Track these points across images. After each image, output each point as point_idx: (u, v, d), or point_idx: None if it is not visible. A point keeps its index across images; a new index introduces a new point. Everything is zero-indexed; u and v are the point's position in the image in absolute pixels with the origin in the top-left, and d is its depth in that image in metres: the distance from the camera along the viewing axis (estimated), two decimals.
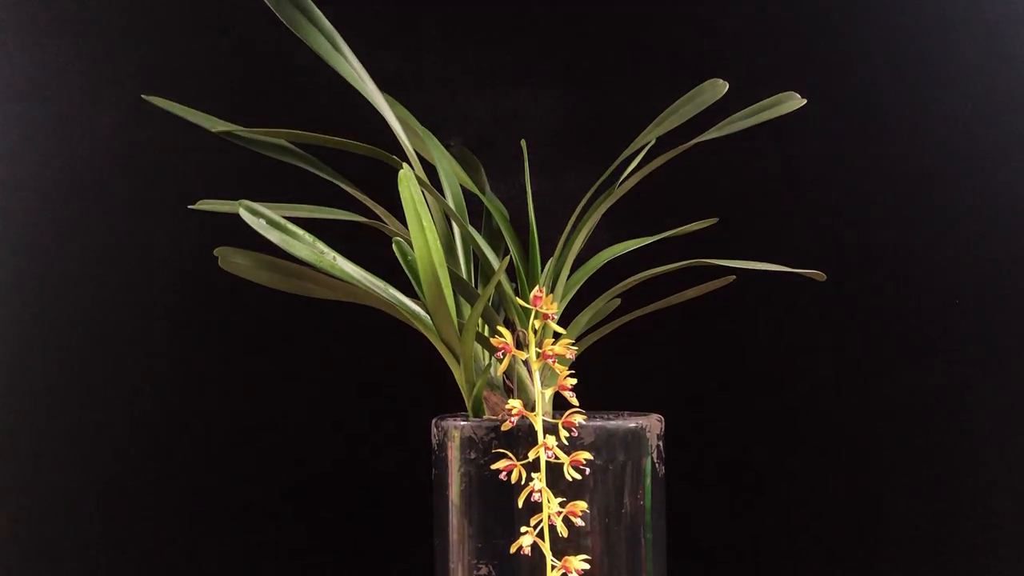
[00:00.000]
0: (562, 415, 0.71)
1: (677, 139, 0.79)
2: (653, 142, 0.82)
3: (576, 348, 0.73)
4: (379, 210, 0.81)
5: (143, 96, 0.81)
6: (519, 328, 0.76)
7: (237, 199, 0.73)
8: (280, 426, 1.05)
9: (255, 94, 1.04)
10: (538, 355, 0.72)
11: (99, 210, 1.04)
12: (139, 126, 1.03)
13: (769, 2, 1.05)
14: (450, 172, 0.86)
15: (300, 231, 0.74)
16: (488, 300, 0.74)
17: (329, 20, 0.80)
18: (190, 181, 1.03)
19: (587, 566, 0.70)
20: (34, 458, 1.04)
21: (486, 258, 0.81)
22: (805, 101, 0.78)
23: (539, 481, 0.69)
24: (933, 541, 1.04)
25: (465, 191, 0.86)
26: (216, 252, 0.76)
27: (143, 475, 1.04)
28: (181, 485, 1.04)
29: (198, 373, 1.05)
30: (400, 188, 0.71)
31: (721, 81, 0.82)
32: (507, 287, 0.78)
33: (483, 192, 0.89)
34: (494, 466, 0.70)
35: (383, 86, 0.82)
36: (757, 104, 0.79)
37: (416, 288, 0.76)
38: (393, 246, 0.76)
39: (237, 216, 0.72)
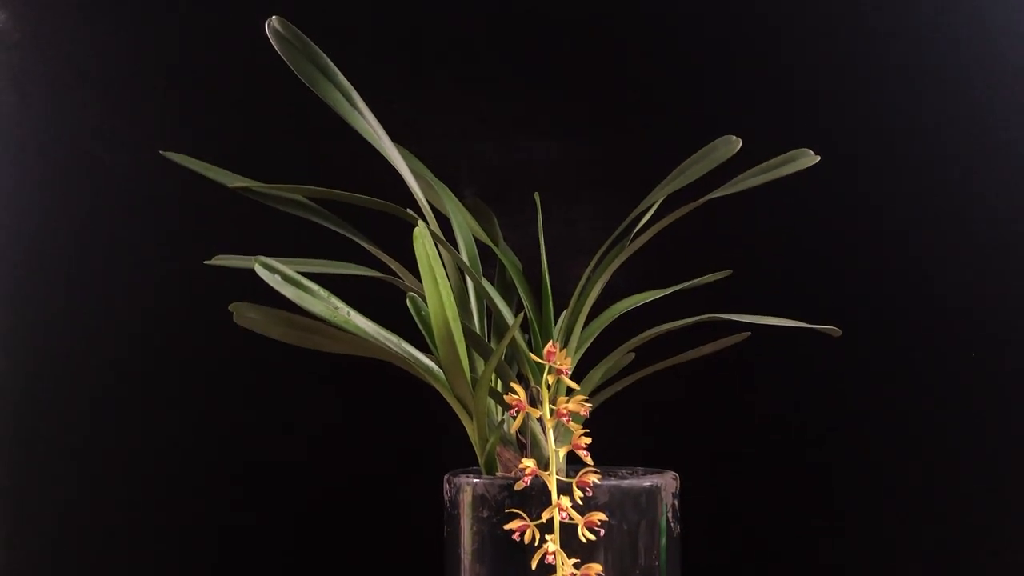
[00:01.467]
0: (576, 471, 0.70)
1: (691, 193, 0.79)
2: (665, 197, 0.82)
3: (590, 404, 0.72)
4: (394, 264, 0.81)
5: (161, 152, 0.82)
6: (532, 384, 0.76)
7: (252, 254, 0.73)
8: (290, 479, 1.05)
9: (271, 149, 1.05)
10: (552, 412, 0.71)
11: (114, 264, 1.05)
12: (156, 181, 1.04)
13: (782, 59, 1.05)
14: (464, 225, 0.86)
15: (315, 286, 0.74)
16: (501, 356, 0.74)
17: (343, 72, 0.81)
18: (206, 236, 1.03)
19: None
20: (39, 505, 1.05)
21: (500, 312, 0.81)
22: (819, 158, 0.78)
23: (553, 543, 0.68)
24: None
25: (479, 243, 0.86)
26: (231, 307, 0.76)
27: (149, 535, 1.04)
28: (184, 540, 1.04)
29: (206, 426, 1.05)
30: (415, 245, 0.71)
31: (735, 138, 0.81)
32: (520, 341, 0.78)
33: (496, 244, 0.89)
34: (507, 526, 0.70)
35: (397, 136, 0.82)
36: (771, 160, 0.79)
37: (430, 343, 0.76)
38: (407, 302, 0.76)
39: (252, 271, 0.72)
